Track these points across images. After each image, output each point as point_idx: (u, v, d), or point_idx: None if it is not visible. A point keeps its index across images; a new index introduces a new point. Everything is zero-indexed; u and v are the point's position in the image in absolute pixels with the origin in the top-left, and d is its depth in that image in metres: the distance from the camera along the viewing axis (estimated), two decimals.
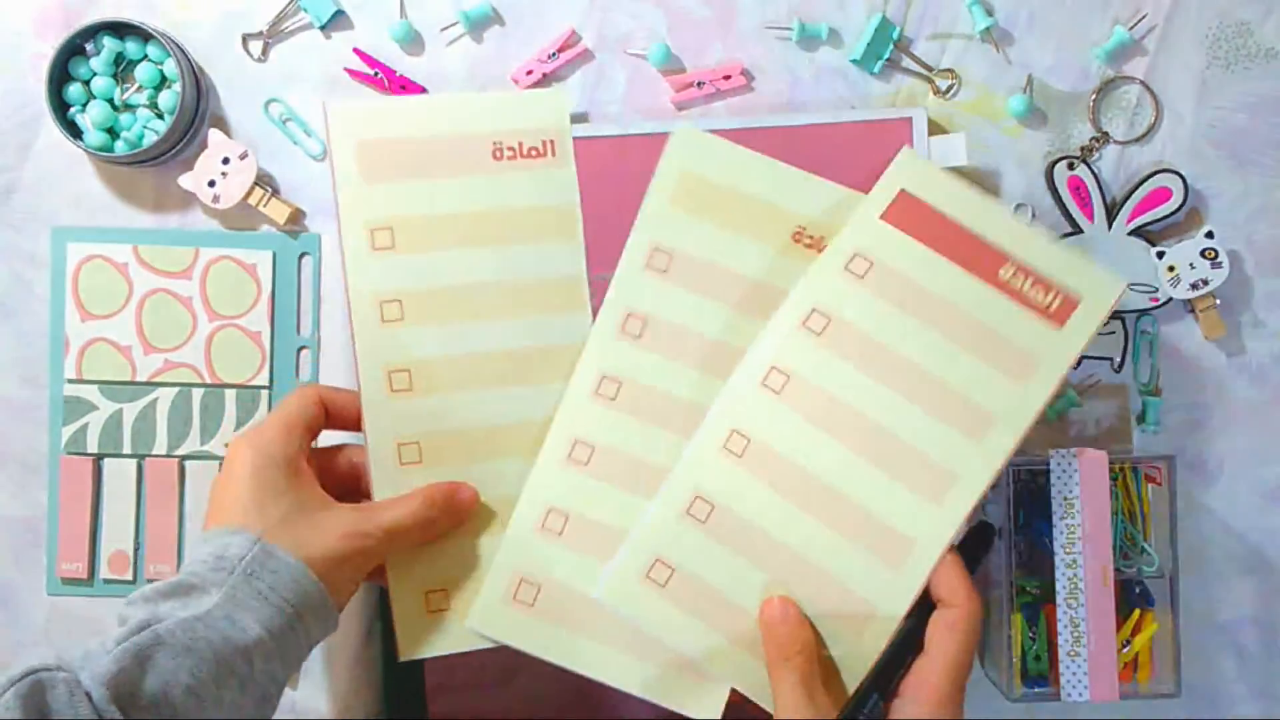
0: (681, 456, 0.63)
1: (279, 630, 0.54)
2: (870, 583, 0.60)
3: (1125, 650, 0.68)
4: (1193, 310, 0.71)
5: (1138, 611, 0.68)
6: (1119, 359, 0.71)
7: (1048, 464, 0.65)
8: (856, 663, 0.59)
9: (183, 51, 0.70)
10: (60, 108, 0.69)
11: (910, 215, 0.63)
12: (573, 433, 0.65)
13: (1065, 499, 0.65)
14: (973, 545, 0.62)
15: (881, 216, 0.63)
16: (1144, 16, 0.70)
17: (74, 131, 0.69)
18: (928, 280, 0.62)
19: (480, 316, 0.65)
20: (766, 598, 0.60)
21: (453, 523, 0.63)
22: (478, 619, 0.63)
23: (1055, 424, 0.72)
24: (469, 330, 0.65)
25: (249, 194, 0.70)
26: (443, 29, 0.71)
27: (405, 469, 0.63)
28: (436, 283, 0.64)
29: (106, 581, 0.71)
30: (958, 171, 0.70)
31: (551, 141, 0.66)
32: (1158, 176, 0.70)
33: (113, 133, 0.70)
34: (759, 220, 0.65)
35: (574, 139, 0.67)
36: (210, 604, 0.53)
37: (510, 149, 0.65)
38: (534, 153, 0.66)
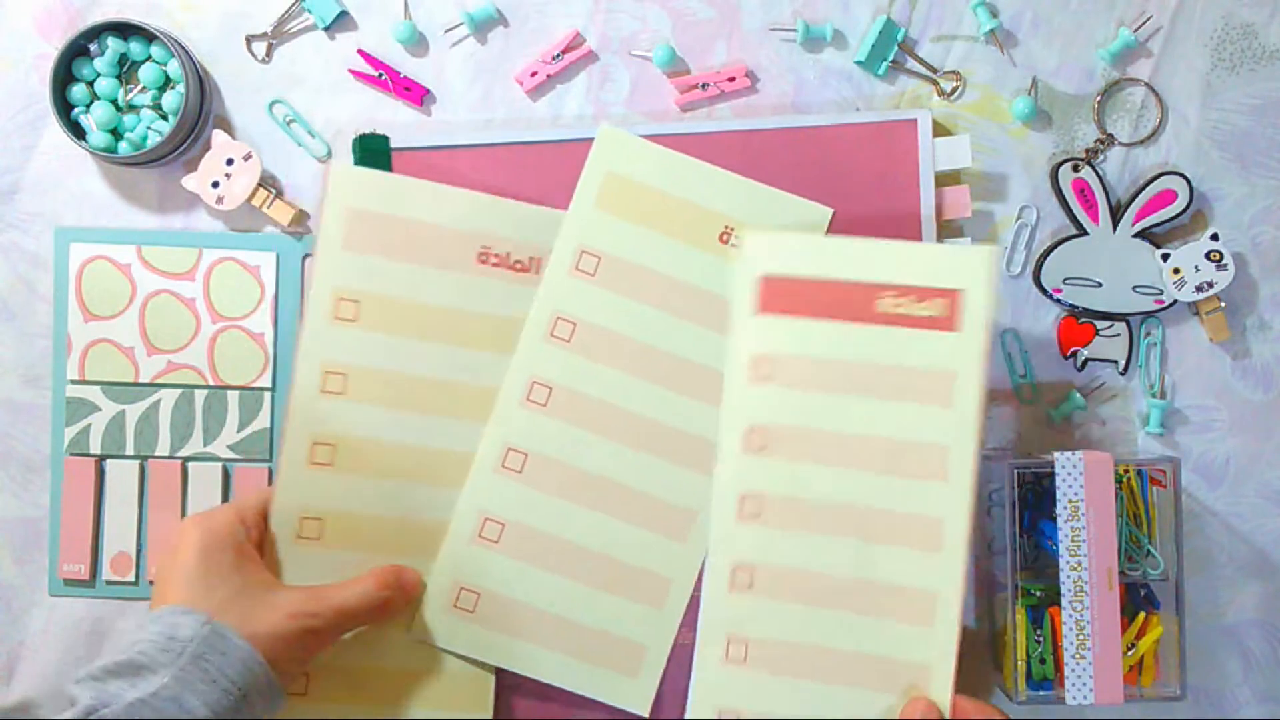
0: (701, 608, 0.64)
1: (225, 711, 0.55)
2: (914, 648, 0.62)
3: (1130, 653, 0.67)
4: (1198, 313, 0.71)
5: (1143, 614, 0.68)
6: (1124, 362, 0.71)
7: (1053, 466, 0.65)
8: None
9: (186, 52, 0.70)
10: (64, 108, 0.69)
11: (781, 294, 0.64)
12: (505, 440, 0.65)
13: (1070, 501, 0.64)
14: None
15: (760, 311, 0.64)
16: (1149, 18, 0.70)
17: (78, 132, 0.69)
18: (826, 351, 0.63)
19: (420, 410, 0.65)
20: (911, 699, 0.62)
21: (405, 604, 0.64)
22: (420, 627, 0.65)
23: (1060, 426, 0.71)
24: (406, 421, 0.65)
25: (252, 195, 0.69)
26: (446, 30, 0.71)
27: (301, 543, 0.64)
28: (387, 366, 0.65)
29: (108, 583, 0.71)
30: (962, 173, 0.70)
31: (538, 259, 0.66)
32: (1163, 179, 0.70)
33: (116, 133, 0.70)
34: (686, 221, 0.65)
35: (581, 141, 0.67)
36: (158, 685, 0.54)
37: (497, 257, 0.66)
38: (519, 266, 0.66)
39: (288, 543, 0.64)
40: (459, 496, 0.66)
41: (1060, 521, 0.64)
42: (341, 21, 0.71)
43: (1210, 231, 0.69)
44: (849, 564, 0.63)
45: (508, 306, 0.66)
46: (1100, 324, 0.71)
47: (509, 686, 0.68)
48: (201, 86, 0.70)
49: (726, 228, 0.65)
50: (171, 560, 0.60)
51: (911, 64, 0.71)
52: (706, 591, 0.64)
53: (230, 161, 0.69)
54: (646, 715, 0.66)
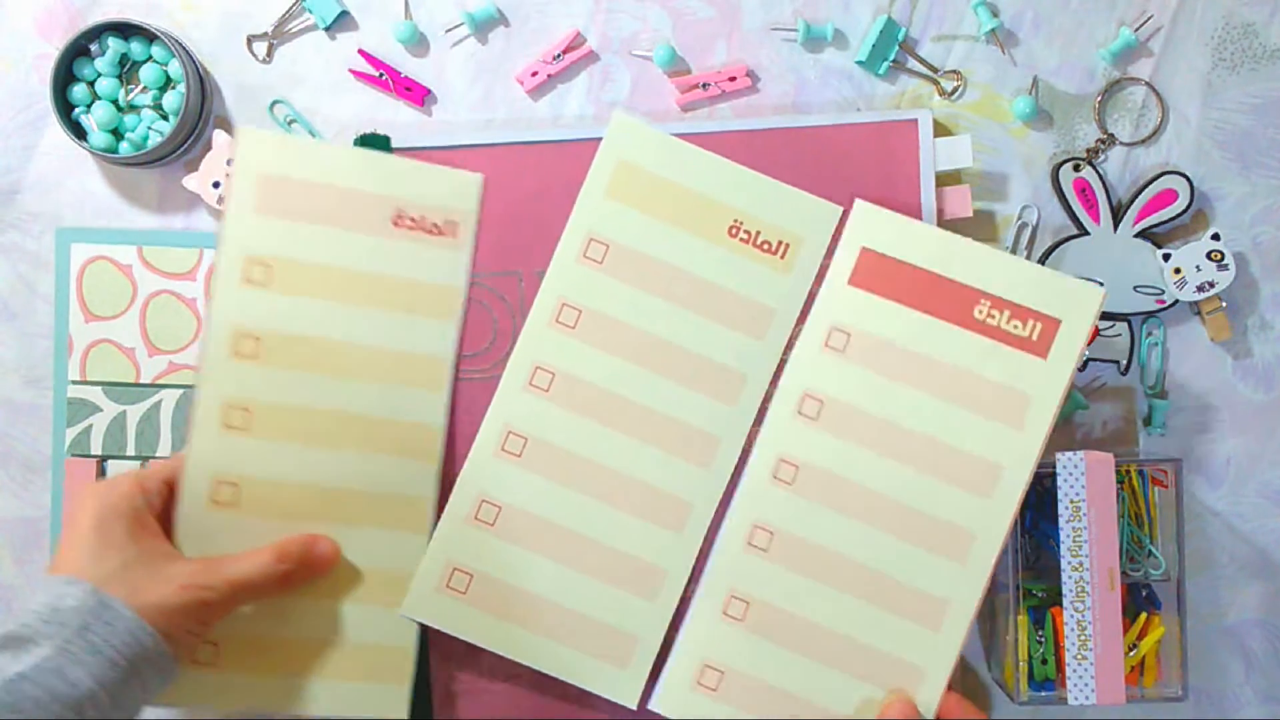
0: (710, 560, 0.64)
1: (113, 683, 0.54)
2: (914, 649, 0.62)
3: (1132, 653, 0.67)
4: (1199, 313, 0.71)
5: (1144, 614, 0.68)
6: (1125, 362, 0.71)
7: (1054, 467, 0.65)
8: None
9: (187, 52, 0.70)
10: (65, 108, 0.69)
11: (877, 274, 0.64)
12: (507, 423, 0.65)
13: (1072, 502, 0.64)
14: None
15: (850, 282, 0.64)
16: (1149, 18, 0.70)
17: (78, 132, 0.69)
18: (907, 339, 0.63)
19: (335, 373, 0.64)
20: (888, 701, 0.62)
21: (310, 576, 0.63)
22: (410, 605, 0.64)
23: (1062, 427, 0.71)
24: (320, 384, 0.64)
25: None
26: (447, 30, 0.71)
27: (216, 509, 0.63)
28: (300, 329, 0.64)
29: None
30: (962, 172, 0.70)
31: (455, 223, 0.66)
32: (1163, 178, 0.70)
33: (117, 134, 0.70)
34: (695, 213, 0.65)
35: (581, 141, 0.67)
36: (41, 657, 0.52)
37: (412, 219, 0.65)
38: (434, 229, 0.66)
39: (200, 508, 0.62)
40: (384, 463, 0.65)
41: (1062, 522, 0.64)
42: (342, 21, 0.71)
43: (1211, 231, 0.69)
44: (871, 553, 0.63)
45: (426, 270, 0.65)
46: (1101, 324, 0.71)
47: (511, 674, 0.68)
48: (202, 86, 0.70)
49: (736, 221, 0.65)
50: (68, 529, 0.59)
51: (912, 64, 0.71)
52: (720, 544, 0.64)
53: (231, 161, 0.69)
54: (634, 707, 0.65)
